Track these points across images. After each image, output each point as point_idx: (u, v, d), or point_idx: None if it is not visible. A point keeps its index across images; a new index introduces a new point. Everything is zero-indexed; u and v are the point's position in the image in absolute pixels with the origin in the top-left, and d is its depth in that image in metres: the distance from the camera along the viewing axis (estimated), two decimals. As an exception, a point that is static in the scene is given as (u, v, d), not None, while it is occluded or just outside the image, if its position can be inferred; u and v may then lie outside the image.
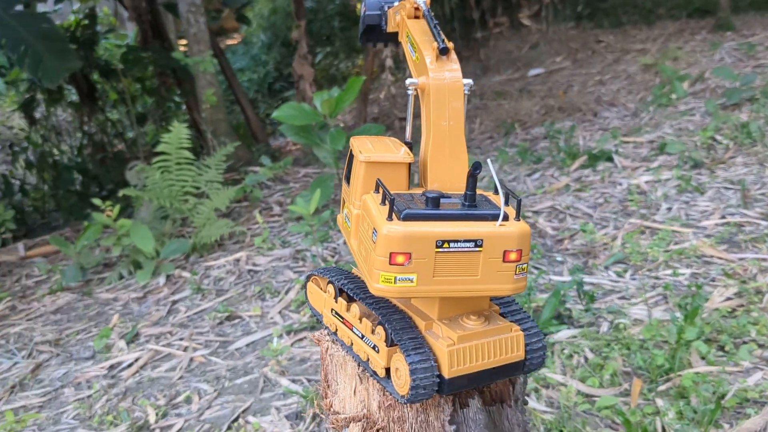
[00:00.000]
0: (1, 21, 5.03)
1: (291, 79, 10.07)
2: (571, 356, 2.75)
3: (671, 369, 2.53)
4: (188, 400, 2.99)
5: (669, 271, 3.30)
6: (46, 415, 3.05)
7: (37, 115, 8.96)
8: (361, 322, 1.12)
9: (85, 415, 3.00)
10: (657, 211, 4.01)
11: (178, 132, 4.92)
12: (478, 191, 1.11)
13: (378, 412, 1.05)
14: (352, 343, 1.14)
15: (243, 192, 5.43)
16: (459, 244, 1.00)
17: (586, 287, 3.22)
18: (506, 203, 1.07)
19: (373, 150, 1.15)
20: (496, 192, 1.12)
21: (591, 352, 2.76)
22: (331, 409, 1.10)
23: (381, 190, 1.07)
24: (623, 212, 4.10)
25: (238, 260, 4.34)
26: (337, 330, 1.19)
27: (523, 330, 1.12)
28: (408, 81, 1.17)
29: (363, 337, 1.12)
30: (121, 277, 4.43)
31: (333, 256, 4.15)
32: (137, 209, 5.08)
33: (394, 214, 1.01)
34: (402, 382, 1.02)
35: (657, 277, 3.28)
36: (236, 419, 2.79)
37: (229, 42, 14.85)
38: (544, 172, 5.08)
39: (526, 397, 1.17)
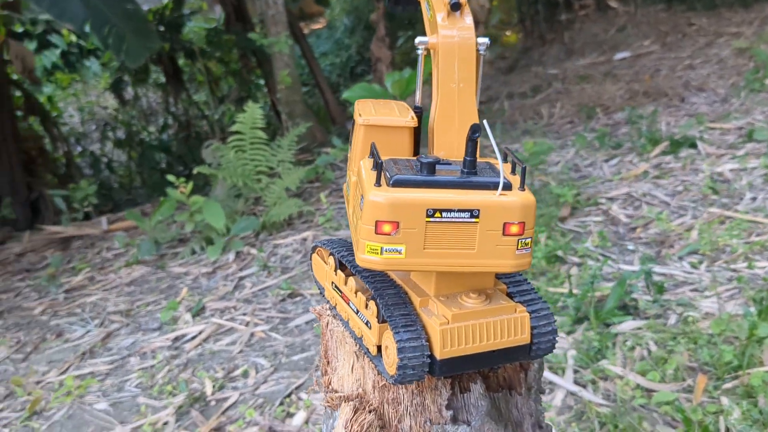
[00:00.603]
0: (88, 2, 5.21)
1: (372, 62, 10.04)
2: (633, 348, 2.63)
3: (739, 366, 2.37)
4: (245, 374, 3.03)
5: (746, 264, 3.10)
6: (111, 382, 3.16)
7: (128, 96, 9.32)
8: (356, 296, 1.06)
9: (146, 384, 3.09)
10: (740, 201, 3.78)
11: (253, 112, 4.99)
12: (485, 159, 1.03)
13: (372, 392, 0.99)
14: (348, 319, 1.09)
15: (315, 173, 5.46)
16: (452, 213, 0.92)
17: (657, 278, 3.07)
18: (513, 171, 0.99)
19: (374, 113, 1.08)
20: (506, 159, 1.04)
21: (655, 345, 2.63)
22: (330, 387, 1.06)
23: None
24: (703, 201, 3.88)
25: (305, 239, 4.37)
26: (337, 304, 1.14)
27: (532, 311, 1.02)
28: (417, 39, 1.07)
29: (357, 312, 1.06)
30: (194, 252, 4.54)
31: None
32: (213, 187, 5.20)
33: (383, 179, 0.94)
34: (390, 361, 0.95)
35: (733, 270, 3.09)
36: (289, 395, 2.81)
37: (314, 26, 14.99)
38: (622, 158, 4.87)
39: (542, 386, 1.09)
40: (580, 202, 4.17)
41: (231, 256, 4.34)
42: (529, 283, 1.07)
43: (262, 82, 8.45)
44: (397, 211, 0.91)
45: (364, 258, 0.92)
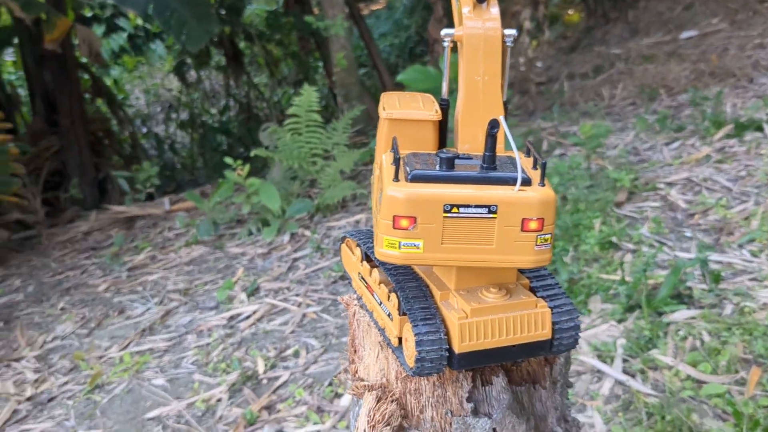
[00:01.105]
0: (151, -12, 5.33)
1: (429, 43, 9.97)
2: (685, 338, 2.57)
3: (797, 360, 2.30)
4: (296, 354, 3.10)
5: (812, 253, 2.99)
6: (169, 358, 3.27)
7: (191, 78, 9.51)
8: (380, 287, 1.07)
9: (202, 361, 3.19)
10: (807, 187, 3.64)
11: (309, 95, 5.03)
12: (509, 153, 1.02)
13: (395, 382, 1.01)
14: (373, 309, 1.10)
15: (369, 155, 5.48)
16: (470, 209, 0.92)
17: (714, 266, 2.99)
18: (534, 166, 0.98)
19: (398, 106, 1.08)
20: (529, 154, 1.04)
21: (708, 336, 2.57)
22: (357, 375, 1.08)
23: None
24: (766, 187, 3.75)
25: (358, 222, 4.41)
26: (363, 295, 1.15)
27: (554, 307, 1.01)
28: (443, 31, 1.07)
29: (381, 303, 1.07)
30: (250, 233, 4.63)
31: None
32: (270, 169, 5.29)
33: (401, 174, 0.94)
34: (410, 353, 0.96)
35: (796, 259, 2.98)
36: (337, 376, 2.86)
37: (374, 7, 14.96)
38: (684, 142, 4.74)
39: (569, 380, 1.08)
40: (638, 187, 4.08)
41: (286, 237, 4.42)
42: (554, 277, 1.07)
43: (320, 64, 8.50)
44: (414, 207, 0.91)
45: (383, 252, 0.94)
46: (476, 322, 0.95)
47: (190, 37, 5.26)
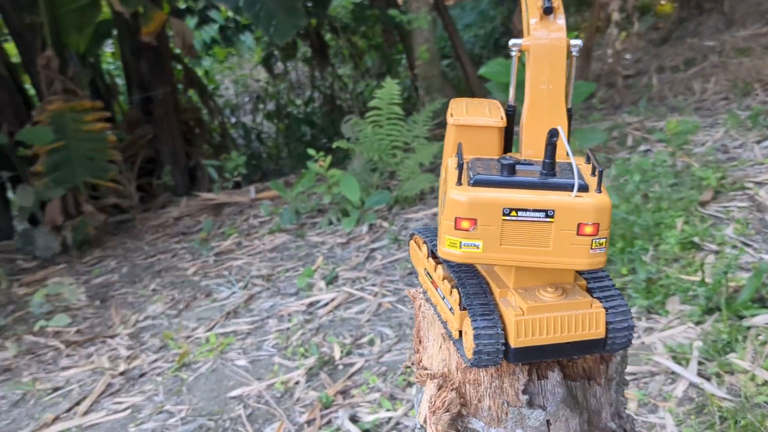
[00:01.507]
0: (242, -18, 5.52)
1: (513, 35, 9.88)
2: (765, 343, 2.51)
3: None
4: (371, 342, 3.19)
5: None
6: (251, 341, 3.43)
7: (279, 69, 9.76)
8: (443, 283, 1.13)
9: (282, 345, 3.33)
10: None
11: (390, 88, 5.11)
12: (570, 159, 1.06)
13: (456, 372, 1.08)
14: (437, 303, 1.16)
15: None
16: (528, 213, 0.97)
17: (801, 270, 2.90)
18: (593, 173, 1.02)
19: (465, 113, 1.13)
20: (589, 161, 1.07)
21: (791, 342, 2.51)
22: (421, 364, 1.16)
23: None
24: None
25: (435, 214, 4.47)
26: (428, 289, 1.21)
27: (609, 308, 1.05)
28: (511, 41, 1.12)
29: (444, 297, 1.13)
30: (330, 222, 4.76)
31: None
32: (350, 161, 5.40)
33: (464, 178, 1.00)
34: (468, 346, 1.02)
35: None
36: (410, 365, 2.93)
37: (460, -3, 14.90)
38: (777, 140, 4.57)
39: (625, 378, 1.12)
40: (725, 186, 3.96)
41: (364, 228, 4.52)
42: (611, 279, 1.10)
43: (404, 56, 8.57)
44: (474, 209, 0.97)
45: (445, 251, 1.00)
46: (532, 319, 1.01)
47: (277, 30, 5.43)
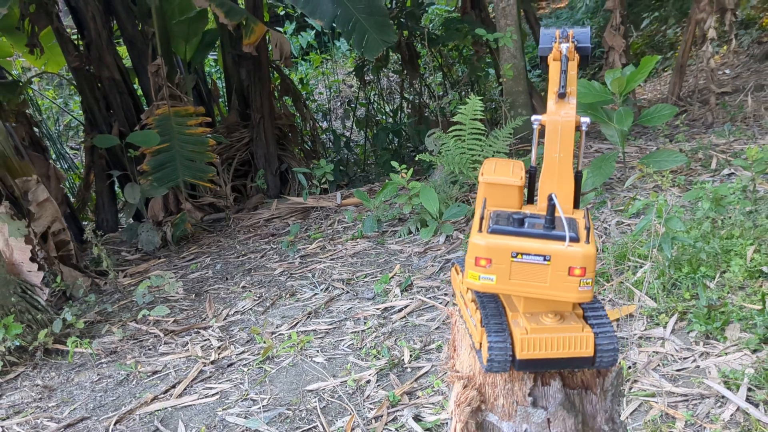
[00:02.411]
0: (339, 0, 5.83)
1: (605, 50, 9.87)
2: (819, 375, 2.59)
3: None
4: (439, 349, 3.41)
5: None
6: (329, 340, 3.71)
7: (371, 77, 10.09)
8: (471, 304, 1.40)
9: (356, 345, 3.59)
10: None
11: (473, 104, 5.31)
12: (574, 213, 1.32)
13: (479, 375, 1.37)
14: (466, 320, 1.44)
15: (528, 164, 5.66)
16: (531, 257, 1.25)
17: None
18: (586, 227, 1.29)
19: (492, 172, 1.39)
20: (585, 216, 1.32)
21: None
22: (454, 368, 1.42)
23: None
24: None
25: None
26: (461, 308, 1.48)
27: (599, 332, 1.31)
28: (533, 117, 1.38)
29: (471, 316, 1.41)
30: (410, 232, 5.00)
31: (600, 236, 4.23)
32: (432, 172, 5.63)
33: (484, 227, 1.29)
34: (485, 355, 1.30)
35: None
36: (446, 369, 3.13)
37: (556, 6, 14.87)
38: None
39: (621, 390, 1.33)
40: (805, 215, 3.96)
41: (441, 238, 4.74)
42: (604, 309, 1.36)
43: (492, 70, 8.73)
44: (490, 252, 1.27)
45: (467, 281, 1.31)
46: (534, 338, 1.29)
47: (368, 46, 5.71)
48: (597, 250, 3.89)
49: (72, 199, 8.37)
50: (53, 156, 9.60)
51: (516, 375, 1.33)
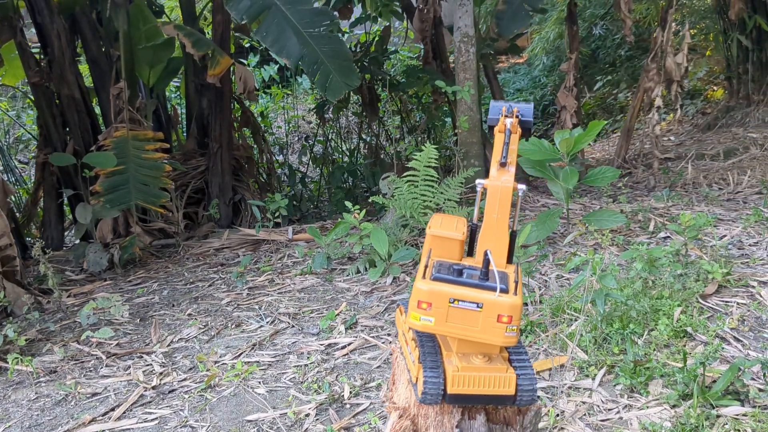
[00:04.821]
0: (304, 41, 6.00)
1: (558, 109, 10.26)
2: (730, 432, 2.77)
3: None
4: (379, 387, 3.51)
5: None
6: (271, 372, 3.77)
7: (331, 114, 10.27)
8: (411, 342, 1.54)
9: (298, 379, 3.67)
10: None
11: (428, 152, 5.50)
12: (507, 267, 1.48)
13: (413, 407, 1.51)
14: (406, 357, 1.58)
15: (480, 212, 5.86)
16: (466, 303, 1.42)
17: (780, 369, 3.14)
18: (516, 280, 1.47)
19: (439, 226, 1.55)
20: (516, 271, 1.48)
21: (754, 434, 2.75)
22: (392, 400, 1.56)
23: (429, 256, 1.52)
24: None
25: (456, 275, 4.79)
26: (402, 346, 1.63)
27: (520, 374, 1.48)
28: (477, 181, 1.56)
29: (411, 353, 1.57)
30: (358, 271, 5.12)
31: (540, 288, 4.42)
32: (384, 214, 5.78)
33: (427, 274, 1.46)
34: (420, 388, 1.45)
35: None
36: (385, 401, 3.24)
37: (515, 60, 15.36)
38: (789, 241, 4.80)
39: (538, 429, 1.48)
40: (730, 282, 4.21)
41: (389, 279, 4.86)
42: (527, 354, 1.53)
43: (449, 119, 9.00)
44: (431, 297, 1.43)
45: (409, 321, 1.46)
46: (464, 375, 1.45)
47: (331, 89, 5.88)
48: (524, 301, 4.08)
49: (17, 214, 8.26)
50: (1, 168, 9.47)
51: (446, 408, 1.48)
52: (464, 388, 1.43)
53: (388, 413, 1.56)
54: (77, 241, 7.22)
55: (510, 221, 1.57)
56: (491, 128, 1.72)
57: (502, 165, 1.55)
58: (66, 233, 7.76)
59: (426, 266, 1.48)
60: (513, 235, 1.62)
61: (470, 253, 1.65)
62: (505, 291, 1.42)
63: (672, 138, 10.13)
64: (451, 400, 1.45)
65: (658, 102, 8.27)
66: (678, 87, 8.00)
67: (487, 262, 1.46)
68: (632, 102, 8.42)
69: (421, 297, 1.42)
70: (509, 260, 1.62)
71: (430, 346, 1.53)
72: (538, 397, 1.56)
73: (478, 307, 1.41)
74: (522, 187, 1.59)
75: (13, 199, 9.09)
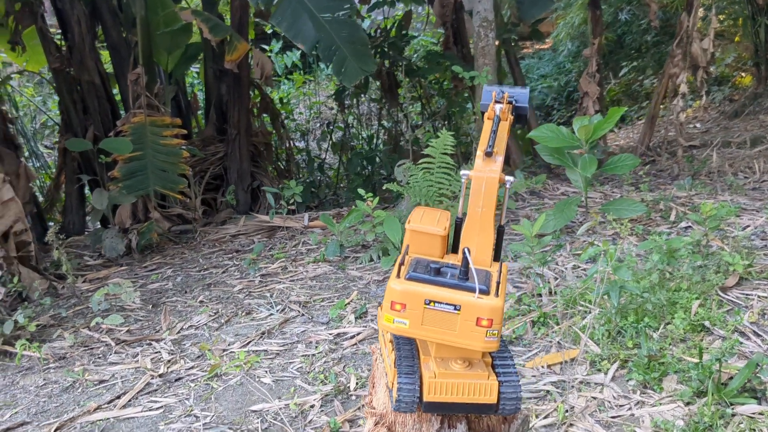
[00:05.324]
0: (320, 26, 5.92)
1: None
2: (744, 432, 2.67)
3: None
4: (386, 379, 3.44)
5: None
6: (279, 362, 3.73)
7: (350, 101, 10.18)
8: (389, 345, 1.44)
9: (305, 369, 3.62)
10: None
11: (444, 139, 5.40)
12: (491, 266, 1.37)
13: (391, 413, 1.39)
14: (384, 359, 1.47)
15: (497, 201, 5.76)
16: (442, 305, 1.31)
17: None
18: (499, 281, 1.35)
19: (419, 221, 1.45)
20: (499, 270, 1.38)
21: (770, 434, 2.65)
22: (371, 404, 1.47)
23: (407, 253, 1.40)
24: None
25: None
26: (382, 348, 1.53)
27: (504, 381, 1.36)
28: (461, 171, 1.45)
29: (388, 356, 1.46)
30: (371, 259, 5.05)
31: (556, 279, 4.32)
32: (399, 202, 5.70)
33: (402, 273, 1.34)
34: (394, 395, 1.35)
35: None
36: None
37: (540, 46, 15.11)
38: (814, 233, 4.64)
39: None
40: (752, 274, 4.08)
41: (402, 268, 4.78)
42: (513, 359, 1.40)
43: (470, 104, 8.87)
44: (405, 297, 1.31)
45: (383, 323, 1.34)
46: (441, 382, 1.34)
47: (346, 74, 5.80)
48: (538, 292, 3.97)
49: (41, 199, 8.33)
50: (26, 154, 9.54)
51: (425, 416, 1.38)
52: (442, 396, 1.33)
53: (365, 418, 1.47)
54: (97, 226, 7.26)
55: (498, 215, 1.47)
56: (483, 114, 1.63)
57: (488, 155, 1.44)
58: (87, 218, 7.80)
59: (399, 265, 1.37)
60: (500, 231, 1.51)
61: (455, 250, 1.53)
62: (485, 292, 1.31)
63: (698, 125, 9.89)
64: (427, 409, 1.35)
65: (683, 88, 8.06)
66: (704, 73, 7.79)
67: (465, 260, 1.35)
68: (657, 88, 8.22)
69: (394, 297, 1.31)
70: (496, 258, 1.52)
71: (407, 349, 1.42)
72: (521, 405, 1.44)
73: (455, 309, 1.30)
74: (510, 178, 1.47)
75: (37, 184, 9.18)
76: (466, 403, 1.35)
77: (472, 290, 1.31)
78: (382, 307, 1.36)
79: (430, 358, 1.40)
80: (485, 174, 1.44)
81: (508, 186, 1.47)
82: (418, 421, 1.38)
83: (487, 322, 1.29)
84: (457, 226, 1.50)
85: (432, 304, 1.30)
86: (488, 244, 1.43)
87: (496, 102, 1.59)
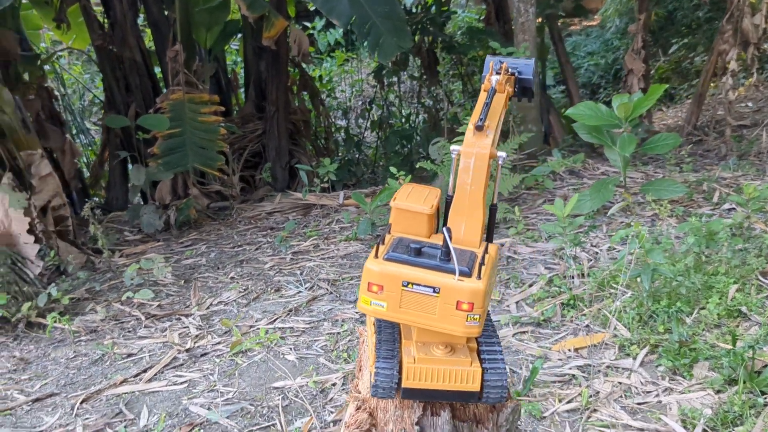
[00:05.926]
0: (357, 2, 5.85)
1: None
2: (776, 423, 2.55)
3: None
4: (409, 359, 3.41)
5: None
6: (304, 339, 3.73)
7: (390, 79, 10.09)
8: (372, 327, 1.38)
9: (329, 347, 3.61)
10: None
11: (480, 116, 5.29)
12: (472, 248, 1.30)
13: (373, 399, 1.33)
14: (369, 343, 1.41)
15: (534, 180, 5.64)
16: (421, 287, 1.24)
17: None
18: (482, 262, 1.27)
19: (405, 198, 1.38)
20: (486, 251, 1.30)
21: (803, 425, 2.53)
22: (357, 388, 1.42)
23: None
24: None
25: (502, 245, 4.62)
26: (368, 331, 1.47)
27: (489, 368, 1.29)
28: (451, 146, 1.37)
29: (371, 339, 1.39)
30: (403, 238, 5.00)
31: (589, 261, 4.21)
32: (434, 181, 5.63)
33: (380, 253, 1.27)
34: (372, 379, 1.28)
35: None
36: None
37: (587, 23, 14.74)
38: None
39: (517, 427, 1.31)
40: (796, 258, 3.91)
41: (433, 248, 4.73)
42: (500, 345, 1.33)
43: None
44: (382, 278, 1.25)
45: (360, 305, 1.27)
46: (421, 367, 1.27)
47: (382, 50, 5.72)
48: (570, 274, 3.86)
49: (87, 175, 8.49)
50: (74, 131, 9.73)
51: (407, 403, 1.32)
52: (421, 383, 1.27)
53: (346, 402, 1.42)
54: (138, 201, 7.37)
55: (490, 193, 1.39)
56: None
57: (478, 128, 1.36)
58: (130, 194, 7.92)
59: (377, 245, 1.30)
60: (493, 210, 1.43)
61: (445, 223, 1.43)
62: (466, 274, 1.23)
63: (749, 104, 9.52)
64: (406, 395, 1.29)
65: (733, 65, 7.75)
66: (755, 50, 7.48)
67: (447, 240, 1.28)
68: (706, 66, 7.93)
69: (371, 279, 1.24)
70: (489, 238, 1.44)
71: (388, 333, 1.36)
72: (509, 394, 1.36)
73: (434, 291, 1.22)
74: (502, 154, 1.39)
75: (83, 160, 9.36)
76: (446, 390, 1.28)
77: (452, 272, 1.24)
78: (360, 289, 1.30)
79: (412, 342, 1.34)
80: (474, 149, 1.37)
81: (500, 162, 1.39)
82: (400, 407, 1.31)
83: (467, 305, 1.22)
84: (447, 204, 1.42)
85: (410, 286, 1.23)
86: (477, 223, 1.35)
87: (495, 73, 1.51)
